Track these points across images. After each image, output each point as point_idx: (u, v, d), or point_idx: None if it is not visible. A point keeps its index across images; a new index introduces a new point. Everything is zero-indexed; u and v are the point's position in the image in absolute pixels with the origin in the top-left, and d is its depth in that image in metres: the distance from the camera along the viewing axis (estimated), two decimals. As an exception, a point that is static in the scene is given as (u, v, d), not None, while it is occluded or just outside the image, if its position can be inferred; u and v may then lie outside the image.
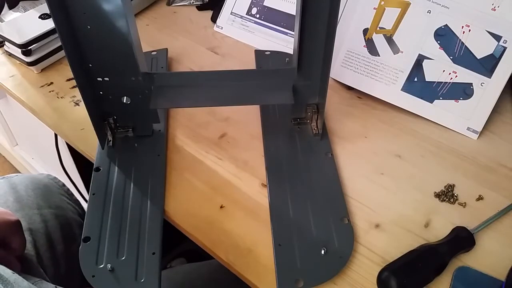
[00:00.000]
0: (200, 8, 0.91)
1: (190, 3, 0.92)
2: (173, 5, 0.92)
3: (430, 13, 0.66)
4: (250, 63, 0.78)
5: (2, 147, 1.39)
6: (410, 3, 0.67)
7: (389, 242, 0.53)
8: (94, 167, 0.61)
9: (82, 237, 0.53)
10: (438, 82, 0.67)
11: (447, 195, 0.58)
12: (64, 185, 0.76)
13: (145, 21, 0.88)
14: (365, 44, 0.70)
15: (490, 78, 0.65)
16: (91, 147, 0.64)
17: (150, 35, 0.84)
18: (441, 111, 0.67)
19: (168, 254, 1.07)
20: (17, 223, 0.56)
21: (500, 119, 0.69)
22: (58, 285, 0.51)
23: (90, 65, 0.57)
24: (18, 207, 0.66)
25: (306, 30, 0.56)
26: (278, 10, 0.81)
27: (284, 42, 0.80)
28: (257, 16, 0.82)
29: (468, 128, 0.66)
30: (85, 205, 0.68)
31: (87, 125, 0.61)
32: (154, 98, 0.61)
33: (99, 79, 0.59)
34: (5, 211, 0.55)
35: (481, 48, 0.65)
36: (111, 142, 0.63)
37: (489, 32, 0.64)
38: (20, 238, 0.56)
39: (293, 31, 0.68)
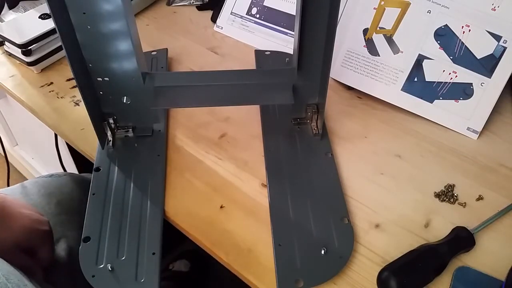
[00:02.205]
0: (200, 8, 0.90)
1: (190, 3, 0.92)
2: (173, 5, 0.92)
3: (430, 13, 0.66)
4: (250, 63, 0.78)
5: (1, 147, 1.39)
6: (410, 3, 0.67)
7: (389, 242, 0.53)
8: (94, 167, 0.61)
9: (82, 237, 0.53)
10: (438, 82, 0.67)
11: (447, 195, 0.58)
12: None
13: (145, 21, 0.88)
14: (365, 44, 0.70)
15: (490, 78, 0.65)
16: (91, 147, 0.64)
17: (150, 35, 0.84)
18: (441, 111, 0.67)
19: (168, 254, 1.07)
20: (47, 233, 0.55)
21: (500, 119, 0.68)
22: None
23: (90, 65, 0.57)
24: (59, 210, 0.64)
25: (306, 30, 0.56)
26: (278, 10, 0.81)
27: (284, 42, 0.80)
28: (257, 16, 0.82)
29: (468, 128, 0.66)
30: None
31: (87, 125, 0.61)
32: (154, 98, 0.61)
33: (99, 79, 0.59)
34: (38, 220, 0.54)
35: (481, 48, 0.64)
36: (111, 142, 0.63)
37: (489, 32, 0.64)
38: (48, 249, 0.55)
39: (293, 31, 0.68)
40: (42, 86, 0.74)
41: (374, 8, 0.69)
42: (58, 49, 0.77)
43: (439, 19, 0.66)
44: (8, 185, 0.74)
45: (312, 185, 0.58)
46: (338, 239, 0.52)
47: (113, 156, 0.62)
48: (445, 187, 0.59)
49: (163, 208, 0.56)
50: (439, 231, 0.54)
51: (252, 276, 0.50)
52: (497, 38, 0.64)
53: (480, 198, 0.58)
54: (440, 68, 0.66)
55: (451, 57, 0.66)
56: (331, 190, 0.58)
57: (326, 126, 0.66)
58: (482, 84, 0.65)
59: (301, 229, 0.54)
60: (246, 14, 0.83)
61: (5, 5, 0.83)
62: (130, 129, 0.64)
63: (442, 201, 0.58)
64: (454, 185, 0.59)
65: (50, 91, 0.73)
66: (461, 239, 0.52)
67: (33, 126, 0.98)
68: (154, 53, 0.77)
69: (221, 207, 0.57)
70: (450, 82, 0.66)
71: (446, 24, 0.65)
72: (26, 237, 0.52)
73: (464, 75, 0.66)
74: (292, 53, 0.64)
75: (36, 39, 0.73)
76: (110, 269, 0.50)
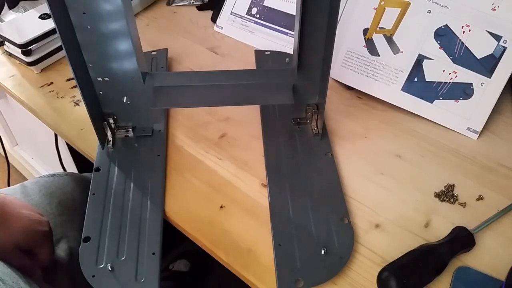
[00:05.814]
0: (200, 8, 0.91)
1: (190, 3, 0.92)
2: (173, 5, 0.92)
3: (430, 13, 0.66)
4: (250, 63, 0.78)
5: (2, 147, 1.39)
6: (410, 3, 0.67)
7: (389, 242, 0.53)
8: (94, 167, 0.61)
9: (82, 237, 0.53)
10: (438, 82, 0.67)
11: (447, 195, 0.58)
12: None
13: (145, 21, 0.88)
14: (365, 44, 0.70)
15: (490, 78, 0.65)
16: (91, 147, 0.64)
17: (150, 35, 0.84)
18: (441, 111, 0.67)
19: (168, 254, 1.07)
20: (47, 233, 0.55)
21: (500, 119, 0.68)
22: None
23: (90, 65, 0.58)
24: (60, 211, 0.64)
25: (306, 30, 0.56)
26: (278, 10, 0.81)
27: (284, 42, 0.80)
28: (257, 16, 0.82)
29: (468, 128, 0.66)
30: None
31: (87, 125, 0.61)
32: (154, 98, 0.61)
33: (99, 79, 0.59)
34: (37, 220, 0.54)
35: (481, 48, 0.64)
36: (111, 142, 0.63)
37: (489, 32, 0.64)
38: (48, 250, 0.55)
39: (293, 31, 0.68)
40: (42, 86, 0.74)
41: (374, 8, 0.69)
42: (58, 49, 0.77)
43: (439, 19, 0.66)
44: (9, 185, 0.74)
45: (312, 185, 0.58)
46: (338, 239, 0.52)
47: (113, 156, 0.62)
48: (445, 187, 0.59)
49: (163, 208, 0.56)
50: (439, 231, 0.54)
51: (252, 276, 0.50)
52: (497, 38, 0.64)
53: (480, 198, 0.58)
54: (440, 68, 0.66)
55: (451, 57, 0.66)
56: (331, 190, 0.58)
57: (326, 126, 0.66)
58: (482, 84, 0.65)
59: (301, 229, 0.54)
60: (246, 14, 0.83)
61: (5, 5, 0.83)
62: (130, 129, 0.64)
63: (442, 201, 0.58)
64: (454, 185, 0.59)
65: (50, 91, 0.73)
66: (461, 239, 0.52)
67: (33, 126, 0.98)
68: (154, 53, 0.77)
69: (221, 207, 0.57)
70: (450, 82, 0.66)
71: (446, 24, 0.65)
72: (25, 238, 0.52)
73: (464, 75, 0.66)
74: (292, 53, 0.64)
75: (36, 39, 0.73)
76: (110, 269, 0.50)
